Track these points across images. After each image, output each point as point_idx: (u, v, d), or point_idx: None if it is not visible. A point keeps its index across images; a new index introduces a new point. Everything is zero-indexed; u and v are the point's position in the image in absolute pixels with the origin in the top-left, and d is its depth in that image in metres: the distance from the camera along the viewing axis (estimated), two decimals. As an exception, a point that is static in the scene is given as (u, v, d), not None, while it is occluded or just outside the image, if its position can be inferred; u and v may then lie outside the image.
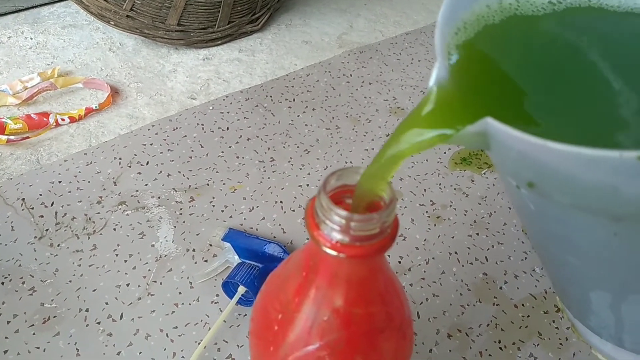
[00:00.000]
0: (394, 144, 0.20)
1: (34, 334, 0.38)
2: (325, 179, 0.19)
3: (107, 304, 0.40)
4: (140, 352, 0.37)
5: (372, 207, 0.20)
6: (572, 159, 0.16)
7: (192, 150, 0.54)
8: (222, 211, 0.48)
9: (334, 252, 0.18)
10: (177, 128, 0.57)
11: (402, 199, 0.51)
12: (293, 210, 0.49)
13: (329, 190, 0.20)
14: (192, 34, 0.68)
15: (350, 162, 0.54)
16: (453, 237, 0.47)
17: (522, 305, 0.43)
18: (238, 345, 0.38)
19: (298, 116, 0.60)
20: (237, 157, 0.54)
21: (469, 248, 0.47)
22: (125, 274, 0.42)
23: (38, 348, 0.37)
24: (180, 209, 0.48)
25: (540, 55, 0.25)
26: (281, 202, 0.50)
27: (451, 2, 0.25)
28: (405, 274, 0.44)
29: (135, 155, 0.53)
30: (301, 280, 0.21)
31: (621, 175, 0.17)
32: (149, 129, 0.56)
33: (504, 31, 0.26)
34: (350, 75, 0.67)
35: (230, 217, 0.48)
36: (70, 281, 0.42)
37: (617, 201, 0.18)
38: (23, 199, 0.48)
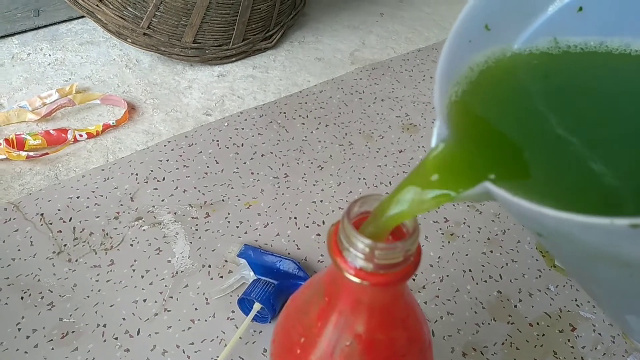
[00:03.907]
0: (395, 204, 0.20)
1: (52, 349, 0.39)
2: (348, 207, 0.20)
3: (124, 319, 0.41)
4: (157, 369, 0.38)
5: (394, 233, 0.20)
6: (568, 224, 0.17)
7: (208, 166, 0.55)
8: (237, 227, 0.49)
9: (357, 280, 0.19)
10: (192, 144, 0.57)
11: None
12: (307, 226, 0.49)
13: (352, 217, 0.20)
14: (207, 51, 0.69)
15: (364, 179, 0.55)
16: (467, 255, 0.48)
17: (537, 323, 0.42)
18: (254, 363, 0.38)
19: (311, 132, 0.60)
20: (252, 173, 0.54)
21: (483, 266, 0.47)
22: (142, 289, 0.43)
23: (57, 363, 0.38)
24: (196, 225, 0.48)
25: (541, 105, 0.24)
26: (295, 218, 0.50)
27: (448, 54, 0.23)
28: (419, 292, 0.44)
29: (152, 171, 0.54)
30: (324, 305, 0.21)
31: (615, 238, 0.17)
32: (165, 145, 0.57)
33: (505, 83, 0.25)
34: (363, 91, 0.68)
35: (246, 233, 0.48)
36: (88, 296, 0.42)
37: (619, 255, 0.19)
38: (42, 214, 0.48)
